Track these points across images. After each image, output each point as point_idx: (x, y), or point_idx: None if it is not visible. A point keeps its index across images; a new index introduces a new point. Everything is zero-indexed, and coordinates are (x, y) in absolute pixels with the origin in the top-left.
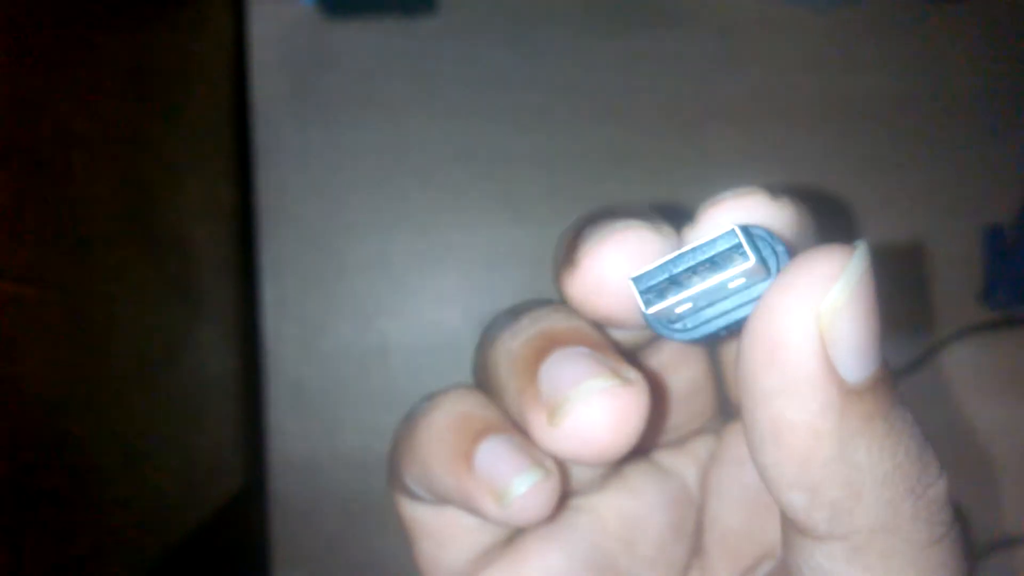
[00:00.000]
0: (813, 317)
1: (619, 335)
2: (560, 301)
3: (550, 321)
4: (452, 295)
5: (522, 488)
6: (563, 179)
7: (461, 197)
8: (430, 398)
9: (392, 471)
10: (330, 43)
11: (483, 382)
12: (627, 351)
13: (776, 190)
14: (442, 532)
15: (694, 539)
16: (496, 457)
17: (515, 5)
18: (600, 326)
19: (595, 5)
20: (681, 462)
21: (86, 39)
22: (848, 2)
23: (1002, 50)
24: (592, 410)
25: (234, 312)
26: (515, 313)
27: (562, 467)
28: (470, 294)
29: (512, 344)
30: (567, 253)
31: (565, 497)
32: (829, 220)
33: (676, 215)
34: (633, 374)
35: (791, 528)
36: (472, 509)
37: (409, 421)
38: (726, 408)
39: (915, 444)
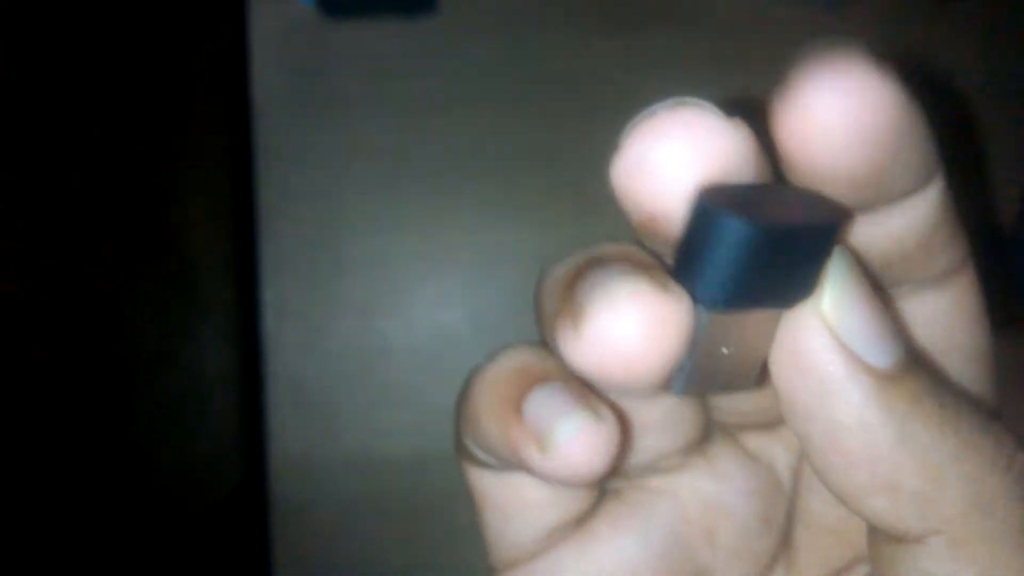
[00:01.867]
0: (818, 318)
1: None
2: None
3: (600, 250)
4: (452, 295)
5: (568, 432)
6: (563, 179)
7: (461, 197)
8: (491, 356)
9: (456, 435)
10: (330, 43)
11: (541, 330)
12: None
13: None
14: (508, 504)
15: (782, 531)
16: (545, 402)
17: (515, 5)
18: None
19: (595, 5)
20: (770, 446)
21: (86, 39)
22: (848, 2)
23: (1002, 50)
24: (618, 314)
25: (234, 312)
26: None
27: (624, 420)
28: (470, 294)
29: (558, 271)
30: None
31: (622, 456)
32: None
33: None
34: (675, 289)
35: (884, 541)
36: (519, 461)
37: (469, 380)
38: None
39: (977, 419)
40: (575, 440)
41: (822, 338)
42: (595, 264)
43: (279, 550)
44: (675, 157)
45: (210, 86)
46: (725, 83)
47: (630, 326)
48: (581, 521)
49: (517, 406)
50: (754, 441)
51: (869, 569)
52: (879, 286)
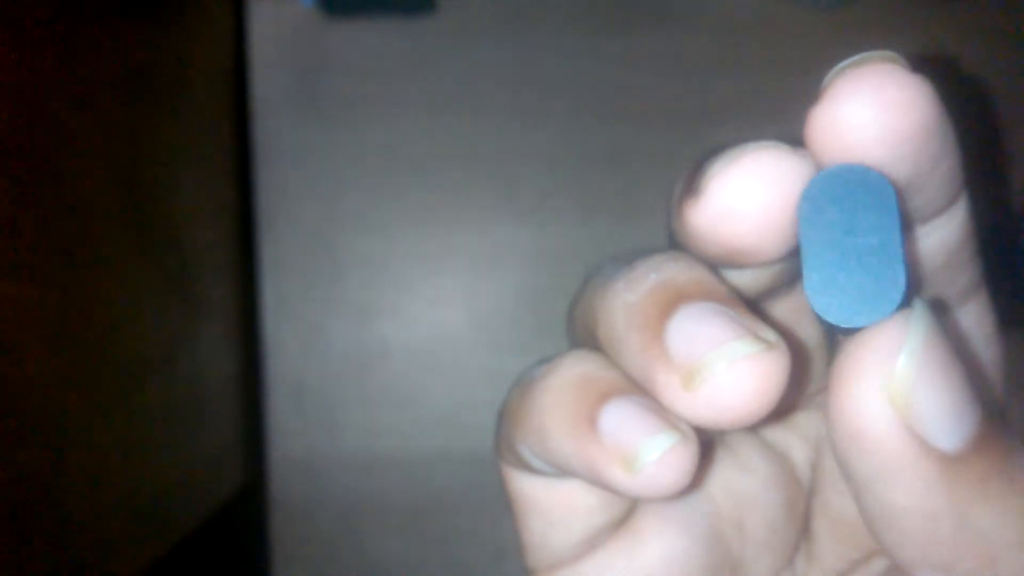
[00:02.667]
0: (886, 399)
1: (737, 279)
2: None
3: (670, 271)
4: (452, 295)
5: (655, 452)
6: (563, 179)
7: (461, 197)
8: (545, 361)
9: (502, 442)
10: (330, 43)
11: (587, 337)
12: (750, 303)
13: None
14: (554, 510)
15: (803, 521)
16: (624, 419)
17: (515, 5)
18: (719, 274)
19: (595, 5)
20: (787, 438)
21: (86, 39)
22: (848, 2)
23: (1002, 50)
24: (734, 377)
25: (234, 312)
26: (626, 261)
27: (700, 433)
28: (470, 294)
29: (629, 296)
30: (689, 182)
31: (704, 469)
32: None
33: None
34: (773, 335)
35: None
36: (596, 478)
37: (523, 385)
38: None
39: None
40: (663, 460)
41: (888, 425)
42: (680, 300)
43: (279, 550)
44: (763, 200)
45: (210, 86)
46: (725, 83)
47: (746, 388)
48: (623, 521)
49: (591, 420)
50: (771, 433)
51: (888, 561)
52: (958, 340)
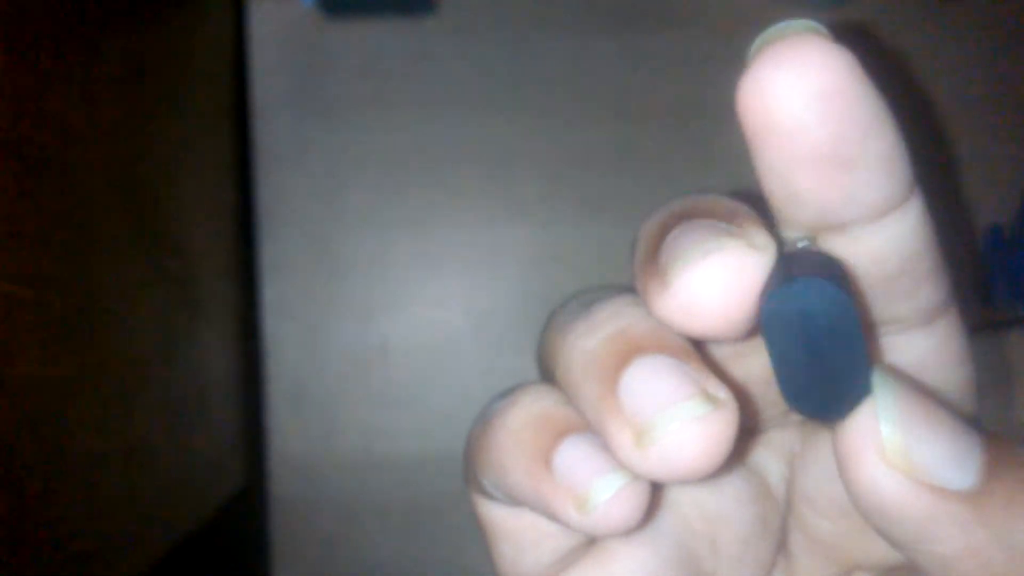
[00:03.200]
0: (888, 468)
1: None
2: (627, 289)
3: (629, 319)
4: (452, 295)
5: (606, 493)
6: (563, 179)
7: (461, 197)
8: (506, 395)
9: (468, 471)
10: (330, 43)
11: (549, 373)
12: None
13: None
14: (522, 535)
15: (778, 536)
16: (577, 458)
17: (515, 5)
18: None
19: (595, 5)
20: (762, 455)
21: (85, 38)
22: (848, 2)
23: (1002, 50)
24: (684, 438)
25: (234, 312)
26: (587, 303)
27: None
28: (470, 294)
29: (587, 343)
30: (652, 264)
31: (655, 506)
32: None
33: None
34: (723, 392)
35: None
36: (552, 516)
37: (484, 419)
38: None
39: None
40: (614, 501)
41: (900, 489)
42: (636, 352)
43: (279, 550)
44: (726, 297)
45: (210, 86)
46: (725, 83)
47: (694, 448)
48: (593, 541)
49: (546, 459)
50: (743, 448)
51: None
52: (925, 390)
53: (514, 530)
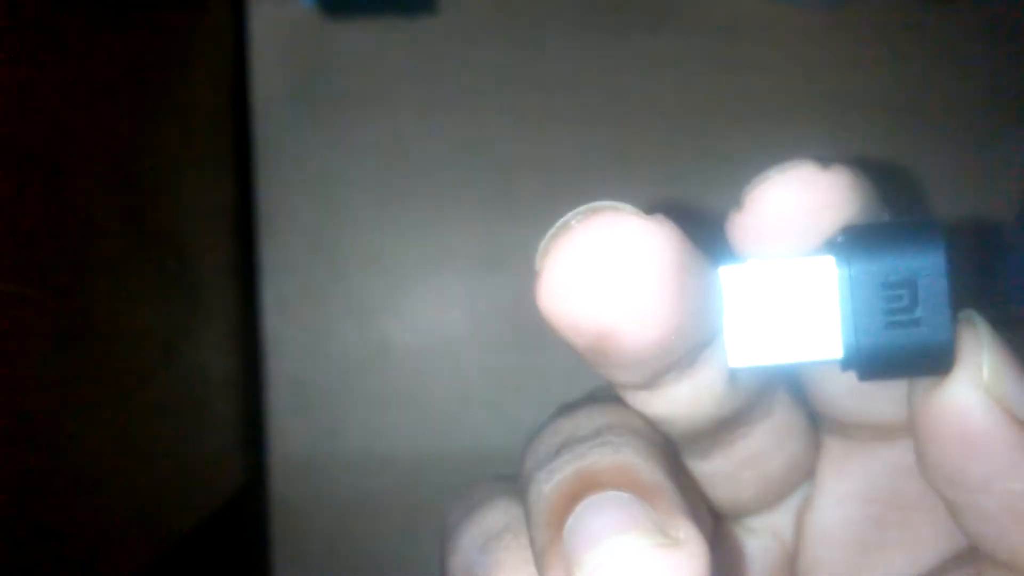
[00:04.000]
0: (986, 395)
1: (640, 375)
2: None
3: (593, 457)
4: (452, 295)
5: None
6: (563, 179)
7: (461, 197)
8: (463, 501)
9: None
10: (330, 43)
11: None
12: (707, 436)
13: (826, 159)
14: None
15: None
16: None
17: (515, 5)
18: (671, 457)
19: (595, 5)
20: (775, 519)
21: (85, 38)
22: (848, 2)
23: (1002, 50)
24: None
25: (234, 312)
26: (559, 443)
27: None
28: (470, 294)
29: (544, 488)
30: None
31: None
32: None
33: (683, 215)
34: (685, 530)
35: None
36: None
37: (445, 529)
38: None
39: None
40: None
41: (996, 417)
42: (590, 489)
43: (279, 550)
44: (608, 271)
45: (210, 86)
46: (725, 83)
47: None
48: None
49: None
50: (757, 521)
51: None
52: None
53: None
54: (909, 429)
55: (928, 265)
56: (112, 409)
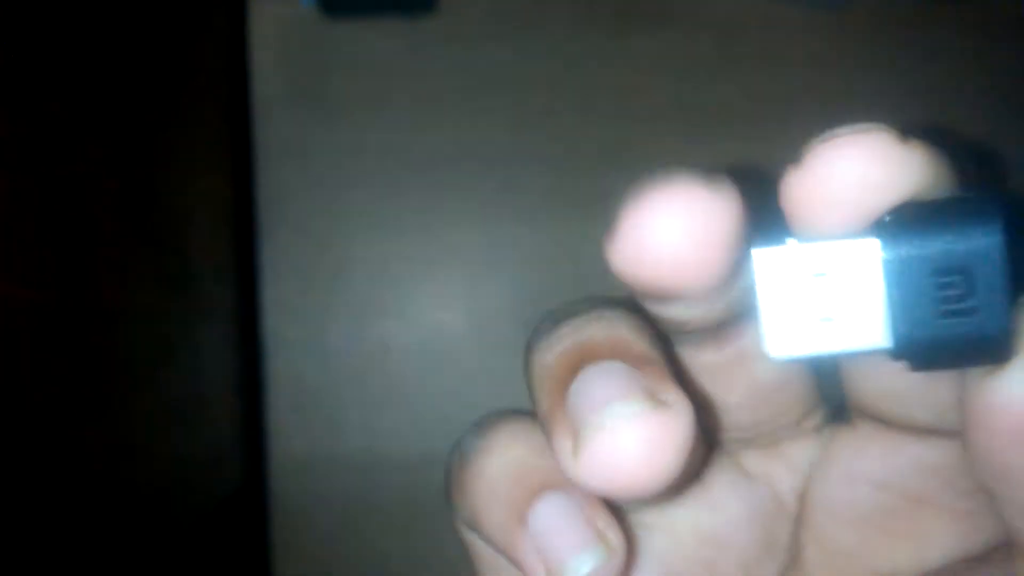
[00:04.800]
0: None
1: (689, 311)
2: (622, 297)
3: (590, 331)
4: (453, 295)
5: (580, 570)
6: (563, 179)
7: (461, 197)
8: (481, 430)
9: (449, 499)
10: (330, 43)
11: (533, 404)
12: (703, 330)
13: (906, 131)
14: (501, 563)
15: (788, 554)
16: (552, 525)
17: (515, 5)
18: (660, 334)
19: (595, 5)
20: (772, 468)
21: (85, 39)
22: (848, 2)
23: (1002, 50)
24: (616, 439)
25: (234, 312)
26: (558, 318)
27: (631, 537)
28: (470, 294)
29: (547, 357)
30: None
31: (630, 565)
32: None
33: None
34: (673, 395)
35: None
36: (523, 573)
37: (460, 457)
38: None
39: None
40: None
41: None
42: (589, 359)
43: (279, 550)
44: (677, 237)
45: (210, 86)
46: (725, 83)
47: (630, 453)
48: None
49: (521, 518)
50: (754, 461)
51: None
52: None
53: (493, 558)
54: (946, 432)
55: (984, 248)
56: (112, 409)
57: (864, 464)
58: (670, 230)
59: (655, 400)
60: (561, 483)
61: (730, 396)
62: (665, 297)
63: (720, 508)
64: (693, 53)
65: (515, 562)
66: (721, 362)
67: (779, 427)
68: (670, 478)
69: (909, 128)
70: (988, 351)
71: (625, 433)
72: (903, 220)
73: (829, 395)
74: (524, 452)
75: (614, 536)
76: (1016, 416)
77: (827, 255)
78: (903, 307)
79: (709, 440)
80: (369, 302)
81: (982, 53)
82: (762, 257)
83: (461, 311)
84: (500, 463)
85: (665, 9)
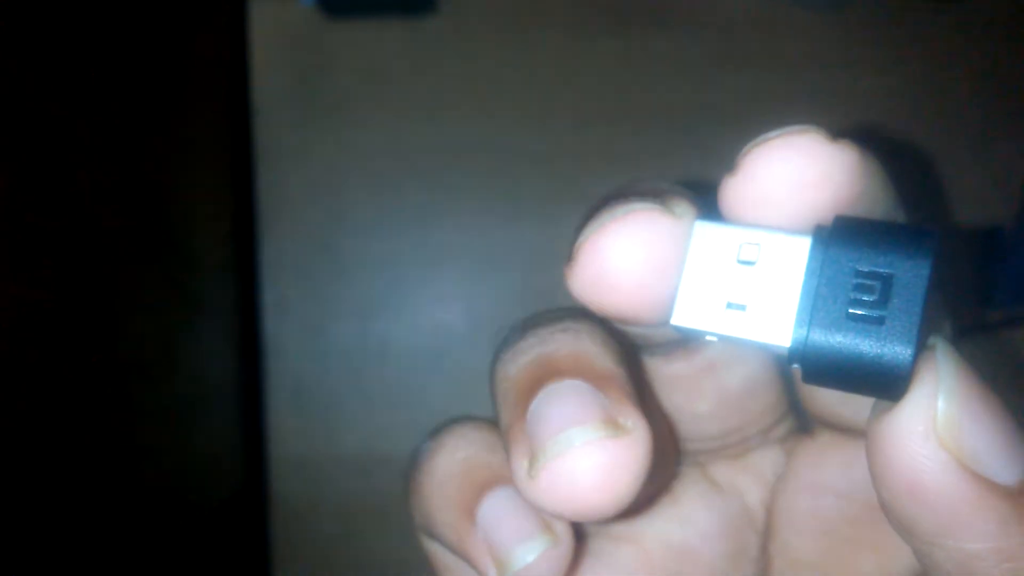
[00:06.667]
0: (936, 445)
1: (655, 328)
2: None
3: (555, 344)
4: (452, 295)
5: (526, 559)
6: (563, 179)
7: (461, 196)
8: (435, 436)
9: (410, 509)
10: (330, 43)
11: (495, 410)
12: (666, 343)
13: (836, 132)
14: (463, 569)
15: (756, 566)
16: (499, 518)
17: (515, 5)
18: (625, 346)
19: (595, 5)
20: (741, 479)
21: (85, 39)
22: (848, 2)
23: (1002, 50)
24: (572, 466)
25: (234, 312)
26: (525, 328)
27: (577, 528)
28: (470, 294)
29: (510, 369)
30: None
31: (578, 558)
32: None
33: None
34: (632, 420)
35: None
36: (476, 572)
37: (415, 462)
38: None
39: None
40: (534, 566)
41: (947, 471)
42: (551, 376)
43: (279, 550)
44: (637, 264)
45: (210, 86)
46: (725, 83)
47: (586, 479)
48: None
49: (470, 513)
50: (723, 472)
51: None
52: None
53: (454, 564)
54: None
55: (911, 267)
56: (112, 410)
57: (825, 474)
58: (627, 257)
59: (613, 426)
60: (509, 479)
61: (699, 405)
62: (625, 322)
63: (690, 520)
64: (693, 53)
65: (467, 559)
66: (690, 372)
67: (748, 436)
68: (625, 503)
69: (842, 130)
70: (886, 381)
71: (581, 461)
72: (841, 228)
73: (798, 406)
74: (473, 451)
75: (560, 527)
76: (907, 470)
77: (758, 243)
78: (813, 309)
79: (677, 454)
80: (369, 302)
81: (982, 53)
82: (702, 230)
83: (461, 311)
84: (449, 462)
85: (665, 9)
